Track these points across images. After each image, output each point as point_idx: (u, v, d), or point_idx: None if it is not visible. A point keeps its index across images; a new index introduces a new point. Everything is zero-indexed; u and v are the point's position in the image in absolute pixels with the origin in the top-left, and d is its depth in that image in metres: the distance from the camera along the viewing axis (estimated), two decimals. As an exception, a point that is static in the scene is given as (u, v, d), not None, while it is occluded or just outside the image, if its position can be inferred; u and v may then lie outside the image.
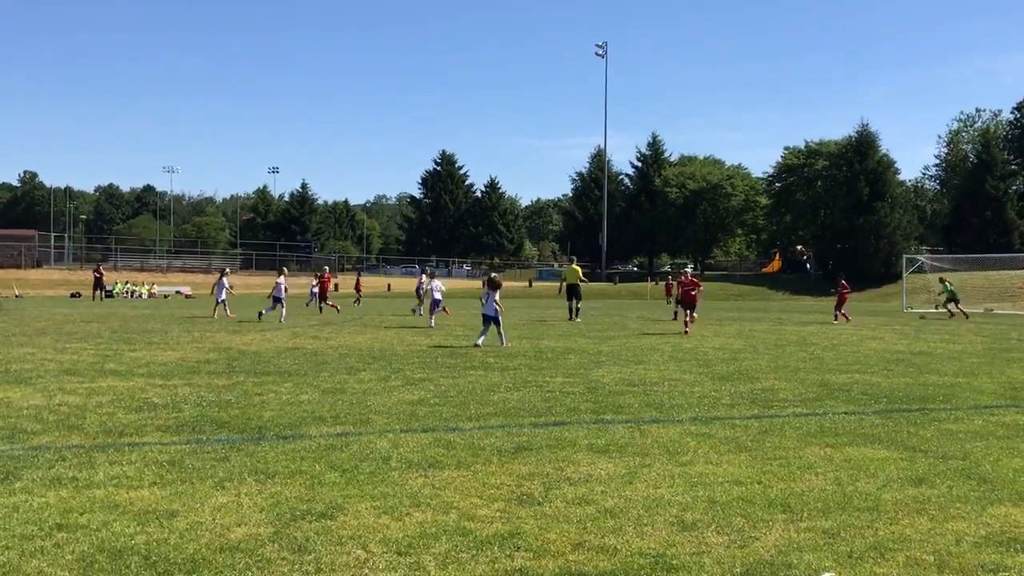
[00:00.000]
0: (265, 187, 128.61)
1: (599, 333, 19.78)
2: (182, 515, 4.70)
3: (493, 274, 19.09)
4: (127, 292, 52.49)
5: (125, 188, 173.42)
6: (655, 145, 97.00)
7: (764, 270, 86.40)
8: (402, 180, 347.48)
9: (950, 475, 5.79)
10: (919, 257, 46.97)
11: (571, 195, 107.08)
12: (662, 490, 5.32)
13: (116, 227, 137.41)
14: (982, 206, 69.47)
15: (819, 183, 78.74)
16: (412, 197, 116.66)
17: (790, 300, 58.30)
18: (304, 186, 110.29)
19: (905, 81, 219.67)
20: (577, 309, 25.35)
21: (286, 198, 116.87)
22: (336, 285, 55.02)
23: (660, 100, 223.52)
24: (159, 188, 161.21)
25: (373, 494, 5.15)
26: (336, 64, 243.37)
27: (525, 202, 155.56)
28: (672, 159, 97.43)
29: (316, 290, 30.73)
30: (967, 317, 31.52)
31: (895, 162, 73.14)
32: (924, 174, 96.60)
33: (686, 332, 19.48)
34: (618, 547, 4.24)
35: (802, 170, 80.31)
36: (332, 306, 29.54)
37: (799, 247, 76.28)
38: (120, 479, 5.46)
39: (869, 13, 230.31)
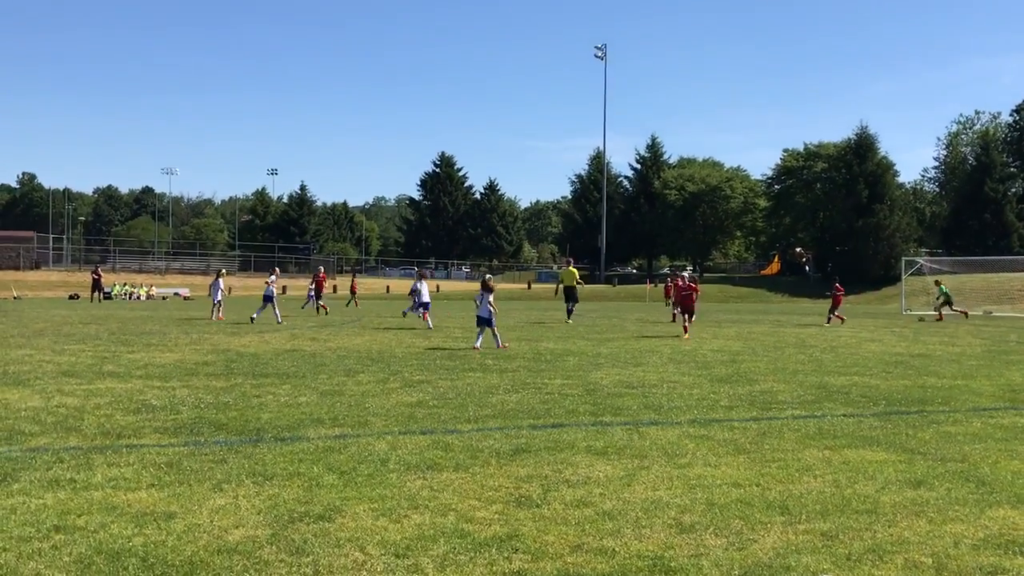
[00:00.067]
0: (264, 189, 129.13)
1: (598, 335, 19.78)
2: (180, 517, 4.69)
3: (487, 276, 19.10)
4: (125, 294, 52.49)
5: (124, 190, 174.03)
6: (654, 147, 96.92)
7: (763, 272, 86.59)
8: (401, 182, 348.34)
9: (948, 477, 5.79)
10: (918, 259, 47.04)
11: (570, 197, 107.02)
12: (660, 492, 5.32)
13: (115, 229, 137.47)
14: (981, 208, 69.56)
15: (818, 185, 78.73)
16: (411, 199, 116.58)
17: (789, 302, 58.32)
18: (303, 188, 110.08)
19: (904, 83, 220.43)
20: (570, 311, 25.55)
21: (285, 200, 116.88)
22: (335, 287, 55.01)
23: (659, 102, 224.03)
24: (158, 190, 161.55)
25: (371, 496, 5.15)
26: (335, 65, 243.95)
27: (524, 204, 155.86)
28: (671, 161, 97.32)
29: (313, 292, 30.74)
30: (967, 316, 31.61)
31: (894, 164, 73.26)
32: (923, 176, 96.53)
33: (685, 337, 19.46)
34: (616, 549, 4.24)
35: (801, 172, 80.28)
36: (322, 307, 29.51)
37: (798, 249, 76.45)
38: (118, 481, 5.45)
39: (869, 15, 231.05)
